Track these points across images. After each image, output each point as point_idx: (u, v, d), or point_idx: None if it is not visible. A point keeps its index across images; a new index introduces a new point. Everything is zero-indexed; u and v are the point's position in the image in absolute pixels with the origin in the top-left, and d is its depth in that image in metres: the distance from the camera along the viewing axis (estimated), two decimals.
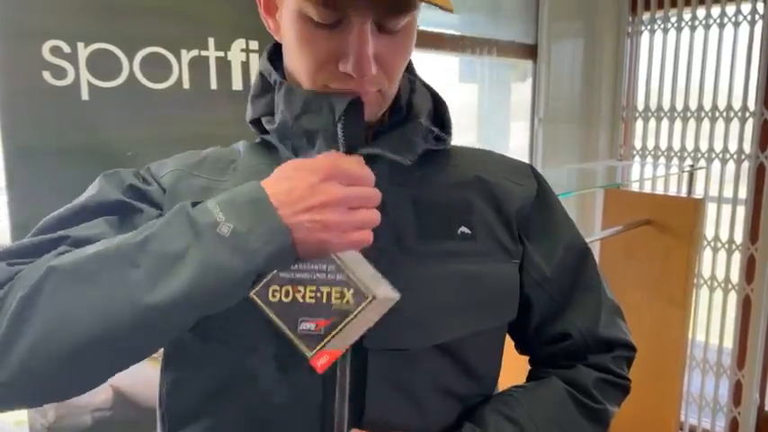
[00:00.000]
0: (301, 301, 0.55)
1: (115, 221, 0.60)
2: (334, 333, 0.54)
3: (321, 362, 0.55)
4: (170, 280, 0.48)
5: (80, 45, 1.12)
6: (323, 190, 0.52)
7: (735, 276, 2.54)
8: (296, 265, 0.55)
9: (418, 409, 0.62)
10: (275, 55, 0.67)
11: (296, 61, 0.59)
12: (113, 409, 1.22)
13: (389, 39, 0.57)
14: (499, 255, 0.67)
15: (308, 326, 0.55)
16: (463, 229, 0.65)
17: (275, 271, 0.55)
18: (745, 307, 2.53)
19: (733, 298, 2.56)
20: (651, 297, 2.38)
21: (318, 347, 0.54)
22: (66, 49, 1.11)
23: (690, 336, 2.53)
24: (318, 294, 0.55)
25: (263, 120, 0.66)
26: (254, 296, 0.55)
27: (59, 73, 1.11)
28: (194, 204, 0.53)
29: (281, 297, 0.55)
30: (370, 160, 0.59)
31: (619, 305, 0.77)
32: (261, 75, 0.67)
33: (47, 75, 1.10)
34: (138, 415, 1.24)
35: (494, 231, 0.67)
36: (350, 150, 0.60)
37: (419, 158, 0.65)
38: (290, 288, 0.55)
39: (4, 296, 0.50)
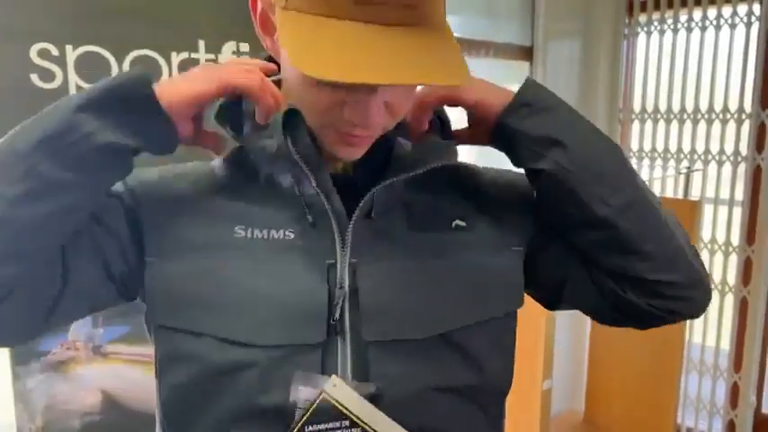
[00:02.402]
0: None
1: None
2: None
3: None
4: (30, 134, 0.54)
5: (68, 48, 1.12)
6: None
7: (732, 278, 2.54)
8: (310, 426, 0.55)
9: (422, 404, 0.61)
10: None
11: (300, 97, 0.58)
12: (102, 414, 1.22)
13: (397, 88, 0.57)
14: (498, 244, 0.68)
15: None
16: (458, 221, 0.67)
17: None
18: (742, 309, 2.53)
19: (730, 300, 2.56)
20: None
21: None
22: (55, 51, 1.11)
23: (687, 338, 2.53)
24: None
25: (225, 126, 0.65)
26: None
27: (47, 76, 1.11)
28: None
29: None
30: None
31: None
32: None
33: (34, 77, 1.09)
34: (127, 419, 1.24)
35: (492, 223, 0.68)
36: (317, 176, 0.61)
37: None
38: None
39: None
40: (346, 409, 0.56)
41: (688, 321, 2.48)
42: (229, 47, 1.28)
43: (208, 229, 0.63)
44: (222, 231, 0.62)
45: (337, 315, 0.59)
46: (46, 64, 1.10)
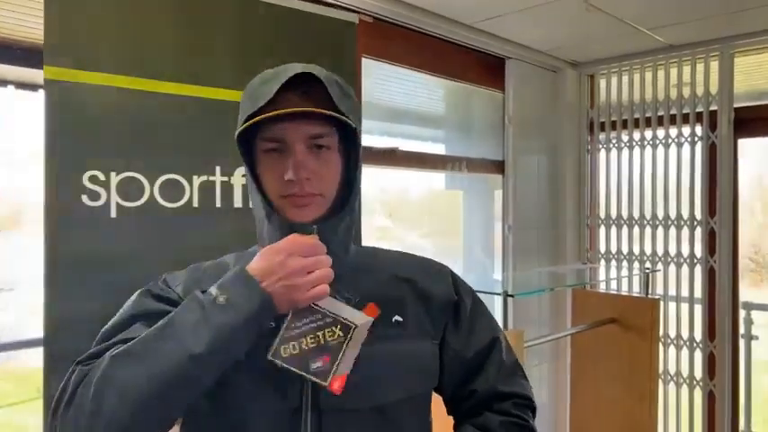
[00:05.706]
0: (306, 348, 0.77)
1: (149, 324, 0.83)
2: (337, 362, 0.77)
3: (336, 385, 0.76)
4: (196, 339, 0.72)
5: (113, 174, 1.39)
6: (287, 263, 0.76)
7: (698, 372, 2.71)
8: (294, 324, 0.77)
9: None
10: None
11: (266, 181, 0.84)
12: None
13: (318, 155, 0.83)
14: (423, 338, 0.89)
15: (317, 365, 0.76)
16: (396, 317, 0.88)
17: (282, 333, 0.77)
18: (710, 402, 2.68)
19: (699, 393, 2.70)
20: (622, 393, 2.52)
21: (330, 377, 0.76)
22: (102, 177, 1.38)
23: (661, 430, 2.65)
24: (317, 338, 0.77)
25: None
26: (272, 357, 0.76)
27: (94, 196, 1.37)
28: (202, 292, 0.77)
29: (290, 352, 0.77)
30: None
31: (519, 365, 0.99)
32: None
33: (84, 197, 1.35)
34: None
35: (420, 320, 0.89)
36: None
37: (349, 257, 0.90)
38: (295, 343, 0.77)
39: (84, 388, 0.73)
40: (317, 305, 0.78)
41: (660, 414, 2.61)
42: (240, 170, 1.56)
43: None
44: None
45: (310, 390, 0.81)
46: (94, 187, 1.37)
